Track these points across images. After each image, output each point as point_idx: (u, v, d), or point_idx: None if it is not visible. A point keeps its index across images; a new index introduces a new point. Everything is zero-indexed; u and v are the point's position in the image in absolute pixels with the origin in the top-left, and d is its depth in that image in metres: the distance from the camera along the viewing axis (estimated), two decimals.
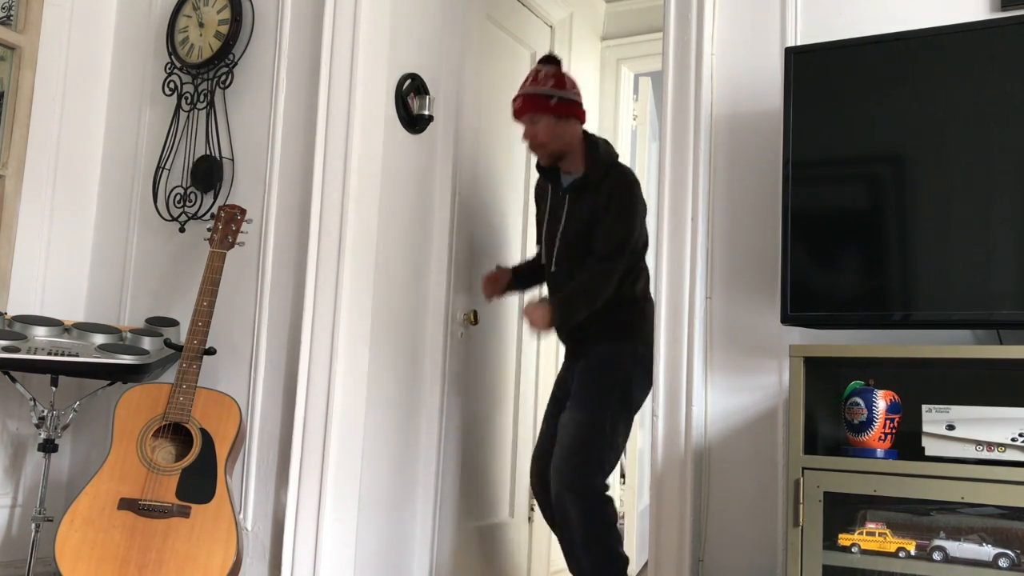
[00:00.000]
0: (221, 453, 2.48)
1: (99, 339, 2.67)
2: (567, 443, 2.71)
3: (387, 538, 2.77)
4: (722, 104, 2.29)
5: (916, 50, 1.85)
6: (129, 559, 2.34)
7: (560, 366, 3.08)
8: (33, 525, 2.57)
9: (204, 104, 3.02)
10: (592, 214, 2.82)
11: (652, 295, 2.81)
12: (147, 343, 2.71)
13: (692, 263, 2.24)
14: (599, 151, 2.88)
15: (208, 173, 2.96)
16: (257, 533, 2.70)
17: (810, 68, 1.94)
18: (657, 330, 2.27)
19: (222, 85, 2.98)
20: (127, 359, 2.60)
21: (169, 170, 3.07)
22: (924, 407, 1.69)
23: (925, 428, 1.68)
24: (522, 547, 3.55)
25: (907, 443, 1.80)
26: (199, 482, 2.44)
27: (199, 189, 2.98)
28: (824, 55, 1.94)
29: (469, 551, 3.20)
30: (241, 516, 2.70)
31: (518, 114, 2.89)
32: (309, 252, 2.67)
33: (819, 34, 2.18)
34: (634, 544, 3.67)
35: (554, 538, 2.95)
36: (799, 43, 2.18)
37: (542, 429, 2.97)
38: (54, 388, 2.63)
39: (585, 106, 2.97)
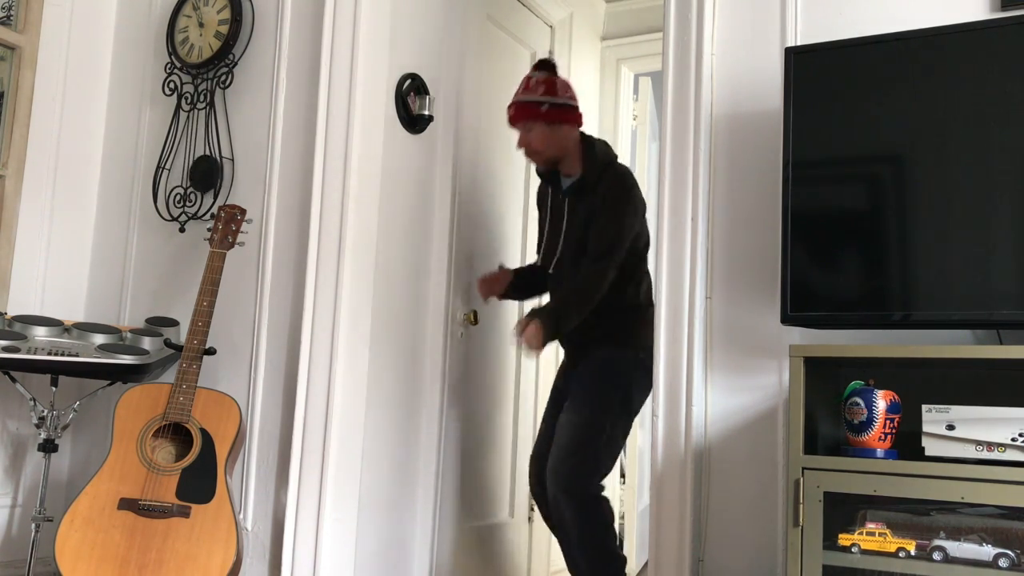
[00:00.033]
0: (221, 453, 2.48)
1: (99, 339, 2.67)
2: (564, 444, 2.71)
3: (387, 538, 2.77)
4: (722, 104, 2.29)
5: (916, 50, 1.84)
6: (129, 559, 2.34)
7: (559, 366, 3.08)
8: (33, 525, 2.57)
9: (204, 104, 3.02)
10: (589, 215, 2.82)
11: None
12: (147, 343, 2.71)
13: (692, 263, 2.24)
14: (596, 152, 2.88)
15: (207, 173, 2.96)
16: (257, 533, 2.70)
17: (810, 68, 1.94)
18: (657, 330, 2.27)
19: (222, 85, 2.98)
20: (127, 359, 2.60)
21: (169, 170, 3.07)
22: (924, 407, 1.69)
23: (925, 428, 1.68)
24: (522, 547, 3.55)
25: (907, 443, 1.80)
26: (199, 482, 2.44)
27: (198, 189, 2.98)
28: (824, 55, 1.94)
29: (469, 551, 3.20)
30: (241, 516, 2.70)
31: (512, 122, 2.91)
32: (309, 252, 2.67)
33: (819, 34, 2.18)
34: (634, 544, 3.67)
35: (554, 538, 2.95)
36: (799, 43, 2.18)
37: (540, 429, 2.98)
38: (54, 388, 2.63)
39: (582, 108, 2.97)
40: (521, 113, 2.87)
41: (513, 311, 3.56)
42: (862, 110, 1.88)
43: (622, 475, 4.12)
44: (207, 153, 2.98)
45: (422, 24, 2.97)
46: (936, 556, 1.64)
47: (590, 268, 2.75)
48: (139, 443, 2.48)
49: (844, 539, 1.71)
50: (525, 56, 3.72)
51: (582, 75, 4.14)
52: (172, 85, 3.09)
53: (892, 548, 1.68)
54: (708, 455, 2.20)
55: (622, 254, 2.77)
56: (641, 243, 2.87)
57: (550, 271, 2.95)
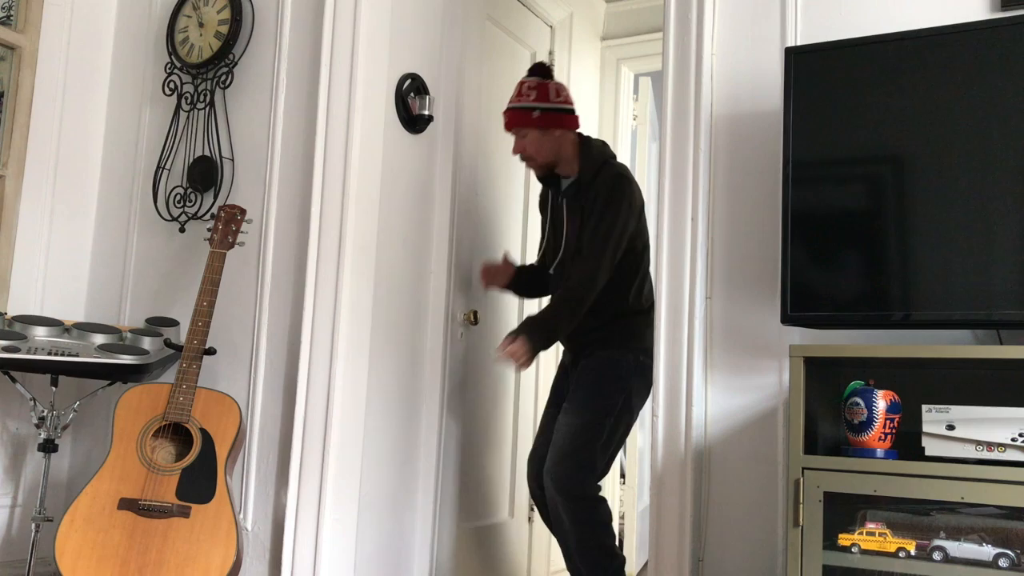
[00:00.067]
0: (221, 453, 2.48)
1: (99, 339, 2.67)
2: (561, 446, 2.71)
3: (387, 538, 2.77)
4: (722, 104, 2.29)
5: (916, 50, 1.85)
6: (129, 559, 2.34)
7: (559, 363, 3.08)
8: (33, 525, 2.57)
9: (204, 104, 3.02)
10: (585, 215, 2.82)
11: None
12: (147, 343, 2.71)
13: (692, 263, 2.24)
14: (592, 152, 2.88)
15: (205, 174, 2.96)
16: (257, 533, 2.70)
17: (810, 68, 1.94)
18: (657, 330, 2.27)
19: (222, 85, 2.98)
20: (127, 359, 2.60)
21: (169, 170, 3.07)
22: (924, 407, 1.69)
23: (925, 428, 1.68)
24: (522, 547, 3.55)
25: (907, 443, 1.80)
26: (199, 482, 2.44)
27: (196, 189, 2.98)
28: (824, 55, 1.94)
29: (469, 551, 3.20)
30: (241, 516, 2.70)
31: (506, 128, 2.93)
32: (309, 252, 2.67)
33: (819, 34, 2.18)
34: (634, 544, 3.67)
35: (554, 538, 2.95)
36: (799, 43, 2.18)
37: (539, 428, 2.98)
38: (54, 388, 2.63)
39: (580, 109, 2.96)
40: (514, 120, 2.88)
41: (513, 311, 3.56)
42: (862, 110, 1.88)
43: (622, 475, 4.12)
44: (205, 153, 2.98)
45: (422, 24, 2.97)
46: (936, 556, 1.64)
47: (582, 268, 2.74)
48: (139, 443, 2.48)
49: (844, 539, 1.71)
50: (525, 56, 3.72)
51: (582, 75, 4.14)
52: (172, 85, 3.09)
53: (892, 548, 1.68)
54: (708, 455, 2.20)
55: (615, 253, 2.75)
56: (640, 243, 2.86)
57: (551, 271, 2.95)
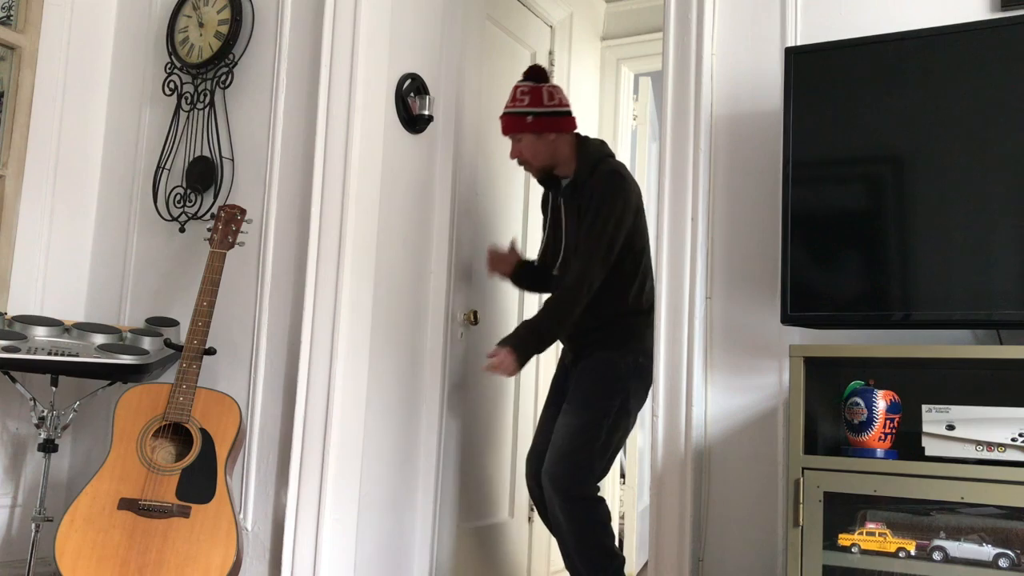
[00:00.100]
0: (221, 453, 2.48)
1: (99, 339, 2.67)
2: (559, 446, 2.71)
3: (387, 538, 2.77)
4: (722, 104, 2.29)
5: (916, 50, 1.85)
6: (129, 559, 2.34)
7: (559, 360, 3.08)
8: (33, 525, 2.57)
9: (204, 104, 3.02)
10: (581, 213, 2.82)
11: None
12: (147, 343, 2.71)
13: (692, 263, 2.24)
14: (587, 151, 2.88)
15: (203, 174, 2.96)
16: (257, 533, 2.70)
17: (810, 68, 1.94)
18: (657, 330, 2.27)
19: (222, 85, 2.98)
20: (127, 359, 2.60)
21: (169, 170, 3.07)
22: (924, 407, 1.69)
23: (925, 428, 1.68)
24: (522, 547, 3.55)
25: (907, 443, 1.80)
26: (199, 482, 2.44)
27: (194, 190, 2.98)
28: (824, 55, 1.94)
29: (469, 551, 3.20)
30: (241, 516, 2.70)
31: (503, 133, 2.94)
32: (309, 252, 2.67)
33: (819, 34, 2.18)
34: (634, 544, 3.67)
35: (554, 538, 2.95)
36: (799, 43, 2.18)
37: (538, 426, 2.98)
38: (54, 388, 2.63)
39: (578, 110, 2.96)
40: (509, 125, 2.89)
41: (513, 311, 3.56)
42: (862, 110, 1.88)
43: (622, 475, 4.12)
44: (203, 154, 2.98)
45: (422, 24, 2.97)
46: (936, 556, 1.64)
47: (575, 267, 2.74)
48: (139, 443, 2.48)
49: (844, 539, 1.71)
50: (525, 56, 3.72)
51: (582, 75, 4.14)
52: (172, 85, 3.09)
53: (892, 548, 1.68)
54: (708, 455, 2.20)
55: (610, 251, 2.74)
56: (639, 242, 2.85)
57: (554, 272, 2.95)
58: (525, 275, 3.10)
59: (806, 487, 1.73)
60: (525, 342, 2.71)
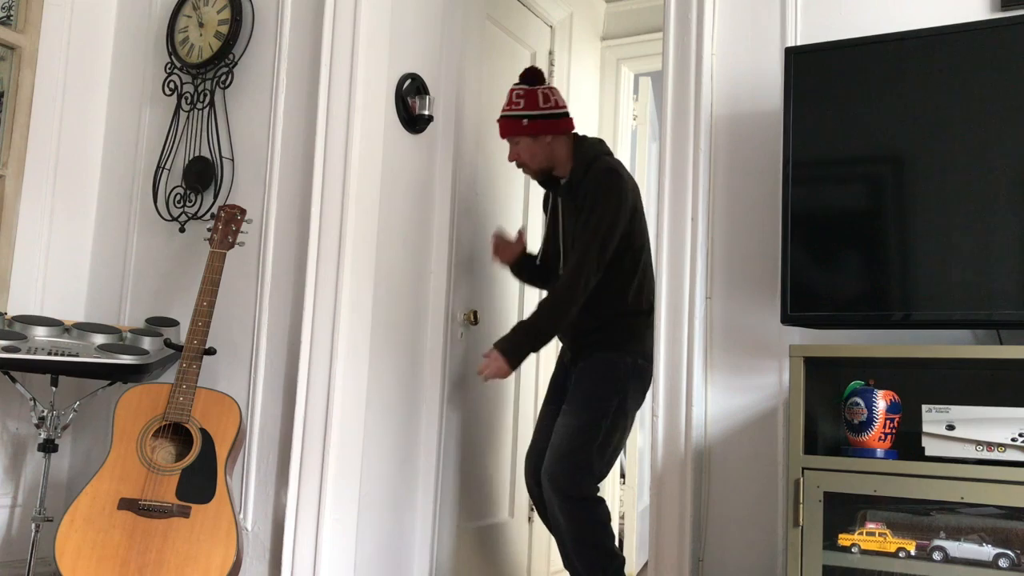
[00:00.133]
0: (221, 453, 2.48)
1: (99, 339, 2.67)
2: (558, 447, 2.71)
3: (387, 538, 2.78)
4: (722, 104, 2.29)
5: (916, 50, 1.85)
6: (129, 559, 2.34)
7: (558, 359, 3.08)
8: (33, 525, 2.57)
9: (204, 104, 3.02)
10: (578, 212, 2.82)
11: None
12: (147, 343, 2.71)
13: (692, 263, 2.24)
14: (584, 150, 2.88)
15: (201, 174, 2.96)
16: (257, 533, 2.70)
17: (810, 68, 1.94)
18: (657, 330, 2.27)
19: (222, 85, 2.98)
20: (127, 359, 2.60)
21: (169, 170, 3.07)
22: (924, 407, 1.69)
23: (925, 428, 1.68)
24: (522, 547, 3.55)
25: (907, 443, 1.80)
26: (199, 482, 2.44)
27: (194, 190, 2.98)
28: (824, 55, 1.94)
29: (469, 551, 3.20)
30: (241, 516, 2.70)
31: (501, 136, 2.95)
32: (309, 252, 2.67)
33: (819, 34, 2.18)
34: (634, 544, 3.67)
35: (554, 538, 2.95)
36: (799, 43, 2.18)
37: (537, 425, 2.98)
38: (54, 388, 2.63)
39: (577, 111, 2.97)
40: (506, 128, 2.91)
41: (513, 311, 3.56)
42: (862, 110, 1.88)
43: (622, 475, 4.12)
44: (201, 154, 2.98)
45: (422, 24, 2.97)
46: (936, 556, 1.64)
47: (570, 265, 2.74)
48: (139, 443, 2.48)
49: (844, 539, 1.71)
50: (525, 56, 3.72)
51: (582, 75, 4.14)
52: (172, 85, 3.09)
53: (892, 548, 1.68)
54: (708, 455, 2.20)
55: (605, 247, 2.73)
56: (637, 241, 2.84)
57: (560, 273, 2.95)
58: (526, 267, 3.10)
59: (806, 487, 1.73)
60: (518, 344, 2.73)
